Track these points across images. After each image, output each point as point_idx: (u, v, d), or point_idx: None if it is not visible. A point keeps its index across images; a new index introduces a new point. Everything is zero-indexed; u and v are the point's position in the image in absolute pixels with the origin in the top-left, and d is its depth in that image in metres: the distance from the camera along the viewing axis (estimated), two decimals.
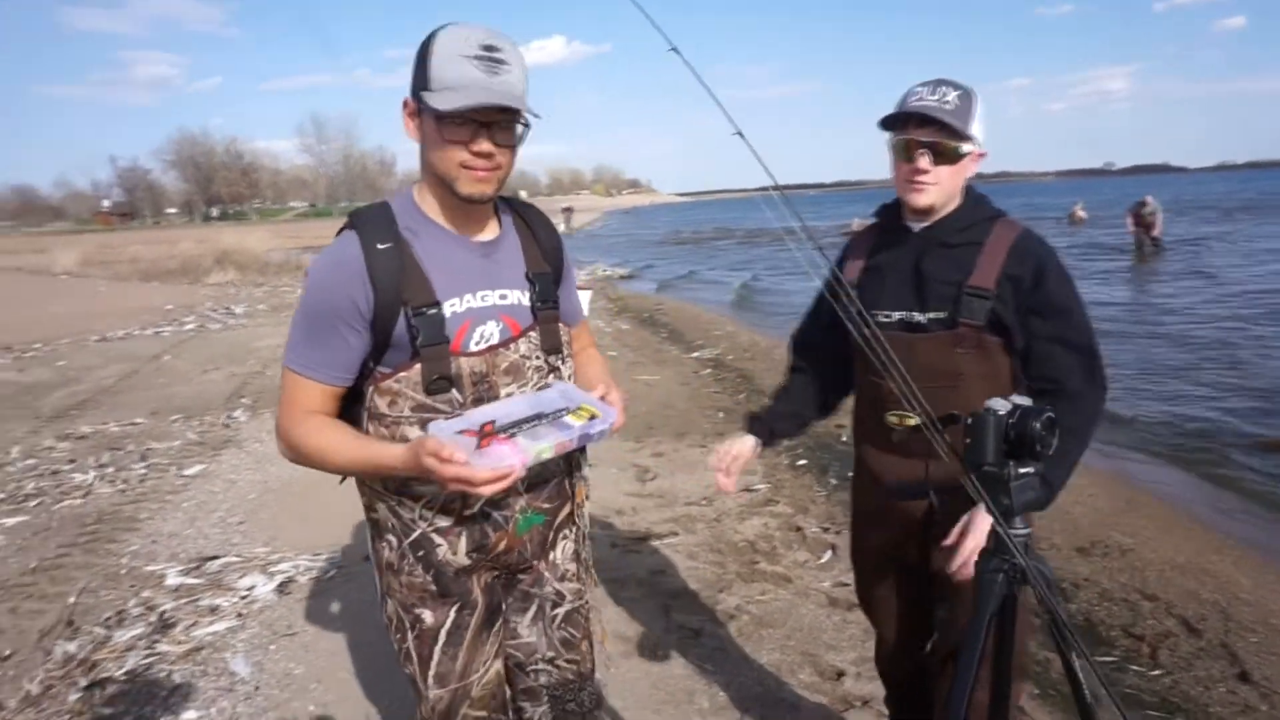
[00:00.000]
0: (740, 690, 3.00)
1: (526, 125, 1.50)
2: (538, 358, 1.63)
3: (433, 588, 1.65)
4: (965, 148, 1.80)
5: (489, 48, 1.42)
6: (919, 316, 1.85)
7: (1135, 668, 3.17)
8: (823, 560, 4.05)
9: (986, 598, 1.28)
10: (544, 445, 1.42)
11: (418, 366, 1.51)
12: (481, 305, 1.56)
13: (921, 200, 1.83)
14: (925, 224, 1.89)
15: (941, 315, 1.82)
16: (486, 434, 1.38)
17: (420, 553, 1.63)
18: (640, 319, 13.19)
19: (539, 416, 1.48)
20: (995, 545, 1.30)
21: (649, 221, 73.67)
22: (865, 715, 2.82)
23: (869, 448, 2.04)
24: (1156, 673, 3.14)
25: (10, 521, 4.83)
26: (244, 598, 3.78)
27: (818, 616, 3.52)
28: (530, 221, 1.71)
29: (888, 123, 1.85)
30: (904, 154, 1.83)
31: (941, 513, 1.83)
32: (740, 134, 1.40)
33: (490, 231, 1.63)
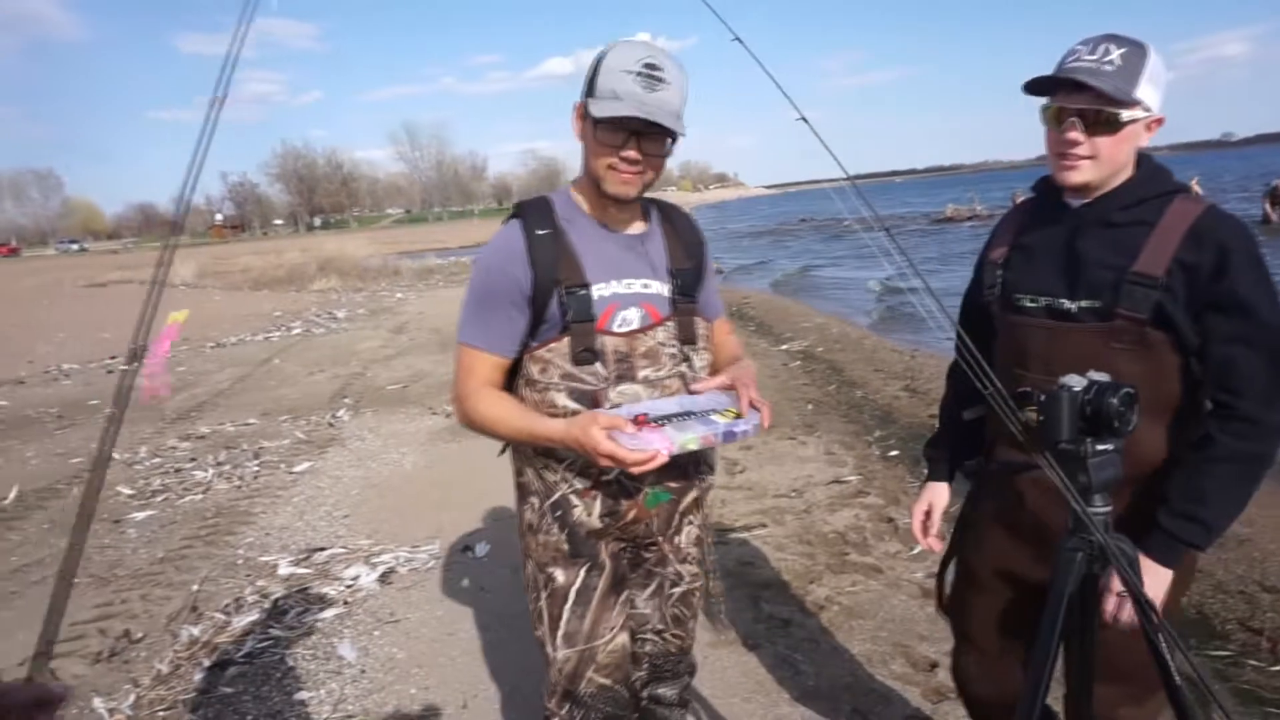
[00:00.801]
0: (831, 680, 2.99)
1: (674, 139, 1.64)
2: (673, 345, 1.76)
3: (565, 548, 1.79)
4: (1128, 114, 1.53)
5: (651, 66, 1.58)
6: (1068, 304, 1.61)
7: (1253, 662, 3.01)
8: (915, 551, 3.98)
9: (1064, 578, 1.25)
10: (690, 437, 1.55)
11: (566, 339, 1.67)
12: (626, 291, 1.71)
13: (1073, 178, 1.59)
14: (1085, 200, 1.64)
15: (1095, 305, 1.58)
16: (640, 422, 1.55)
17: (558, 513, 1.78)
18: (728, 312, 13.13)
19: (688, 414, 1.62)
20: (1074, 524, 1.27)
21: (737, 215, 73.21)
22: (958, 707, 2.76)
23: (1005, 447, 1.80)
24: (1277, 668, 2.97)
25: (140, 515, 5.19)
26: (349, 587, 3.97)
27: (910, 608, 3.47)
28: (675, 221, 1.86)
29: (1035, 87, 1.60)
30: (1054, 123, 1.60)
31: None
32: (804, 119, 1.41)
33: (638, 227, 1.78)
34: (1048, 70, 1.59)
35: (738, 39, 1.39)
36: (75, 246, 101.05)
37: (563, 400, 1.70)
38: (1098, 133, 1.55)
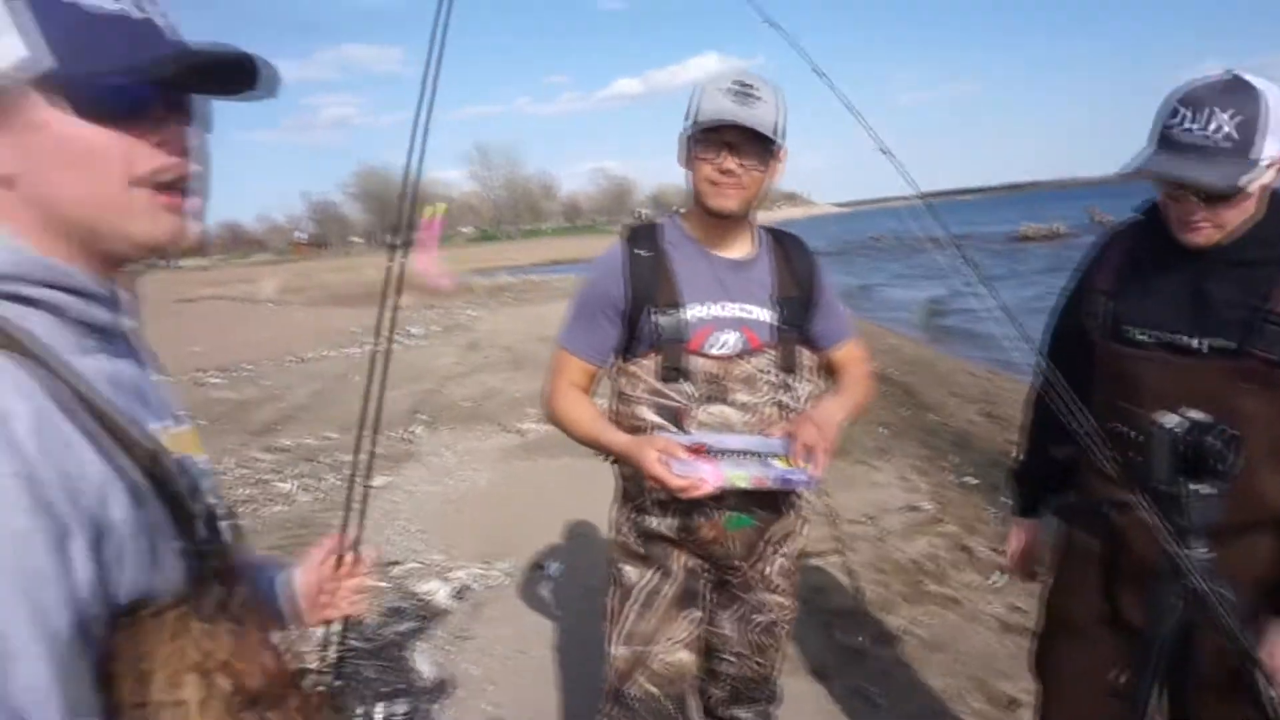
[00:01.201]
0: (906, 715, 2.93)
1: (773, 155, 1.68)
2: (773, 374, 1.78)
3: (639, 550, 1.86)
4: (1246, 178, 1.39)
5: (742, 84, 1.65)
6: (1191, 341, 1.52)
7: None
8: (993, 582, 3.88)
9: (1160, 625, 1.22)
10: (741, 474, 1.61)
11: (656, 357, 1.74)
12: (724, 315, 1.75)
13: (1196, 240, 1.49)
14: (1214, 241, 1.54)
15: (1225, 344, 1.48)
16: (698, 451, 1.61)
17: (638, 516, 1.85)
18: None
19: (751, 453, 1.66)
20: (1171, 568, 1.24)
21: (807, 234, 72.61)
22: None
23: (1102, 483, 1.64)
24: None
25: (225, 524, 5.40)
26: (424, 601, 4.05)
27: (989, 641, 3.38)
28: (787, 248, 1.89)
29: (1151, 175, 1.50)
30: (1169, 193, 1.50)
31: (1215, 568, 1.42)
32: (886, 151, 1.41)
33: (742, 251, 1.83)
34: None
35: (819, 73, 1.40)
36: (167, 263, 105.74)
37: (648, 415, 1.76)
38: (1218, 205, 1.44)
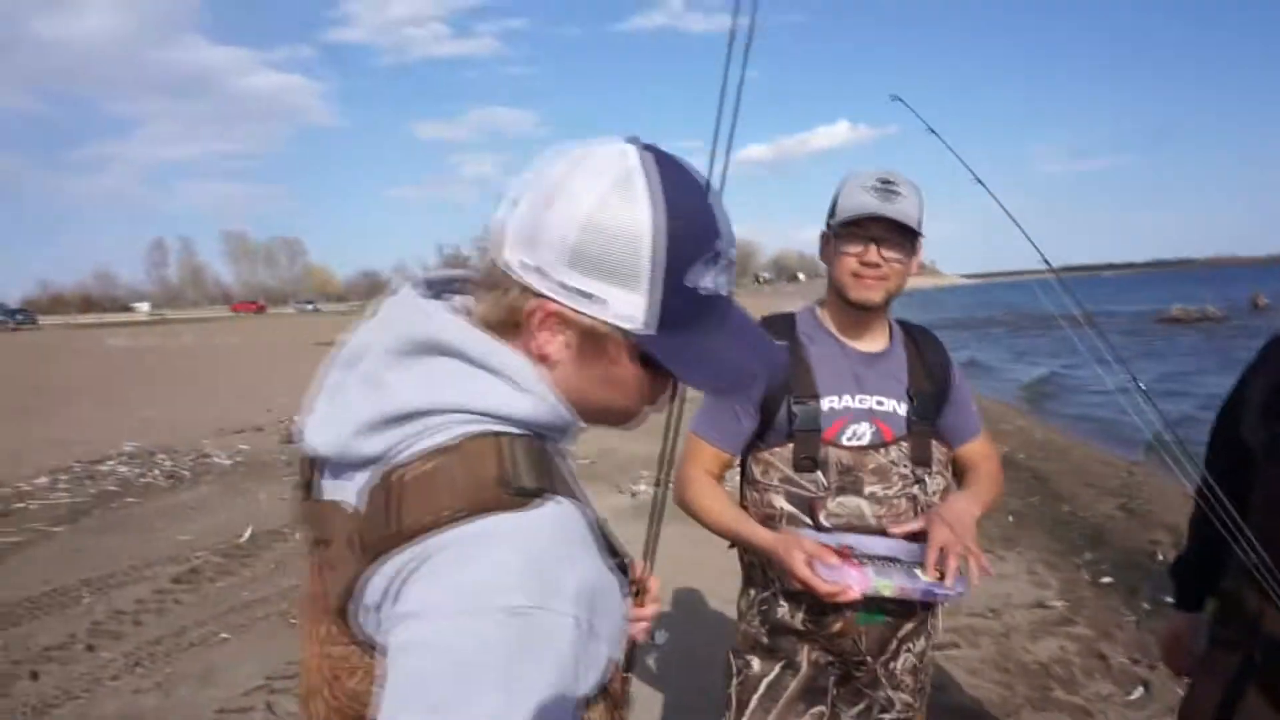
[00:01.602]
0: None
1: (914, 241, 1.71)
2: (905, 466, 1.78)
3: (765, 640, 1.84)
4: None
5: (884, 181, 1.69)
6: None
7: None
8: (1133, 697, 3.60)
9: None
10: (886, 583, 1.59)
11: (790, 446, 1.76)
12: (858, 407, 1.77)
13: None
14: None
15: None
16: (844, 555, 1.60)
17: (765, 607, 1.84)
18: None
19: (895, 560, 1.65)
20: None
21: (935, 306, 70.82)
22: None
23: (1258, 598, 1.49)
24: None
25: None
26: None
27: None
28: (919, 342, 1.91)
29: None
30: None
31: None
32: (1038, 248, 1.40)
33: (878, 344, 1.85)
34: None
35: (979, 181, 1.40)
36: (310, 307, 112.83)
37: (780, 503, 1.77)
38: None
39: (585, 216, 0.76)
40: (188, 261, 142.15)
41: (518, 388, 0.80)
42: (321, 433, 0.83)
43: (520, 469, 0.76)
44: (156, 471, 8.77)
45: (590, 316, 0.78)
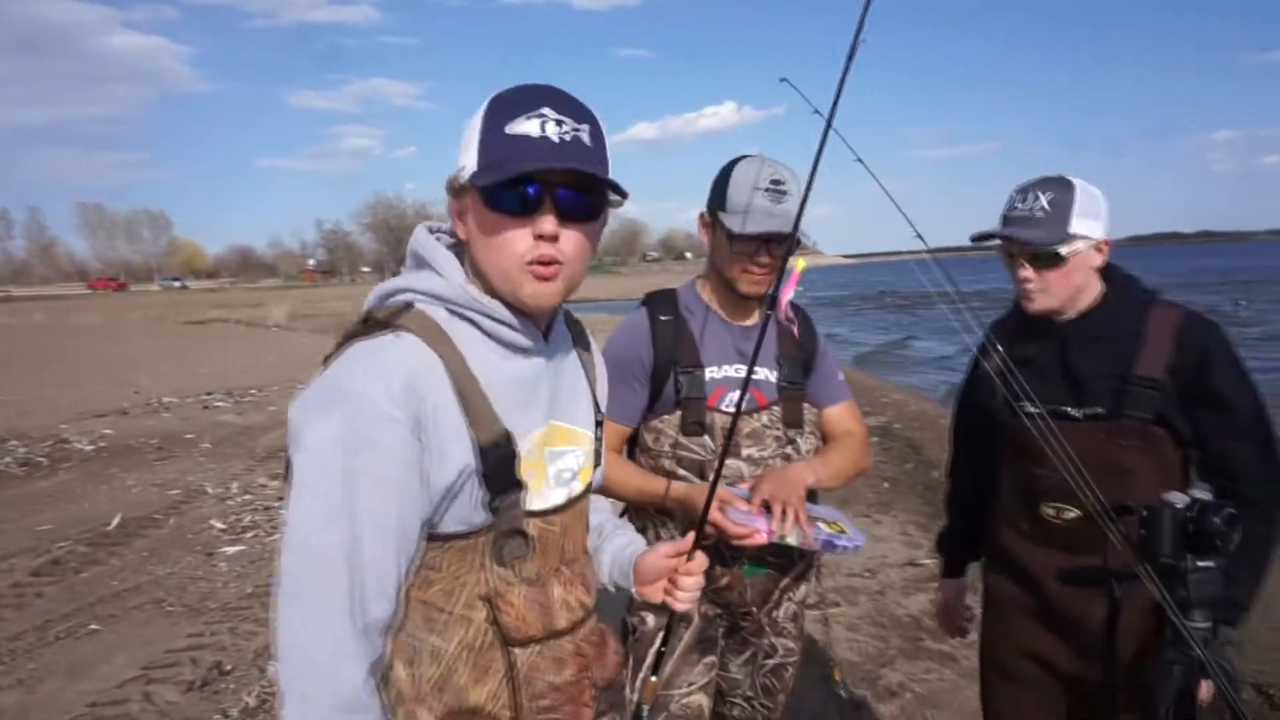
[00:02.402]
0: None
1: (799, 242, 1.81)
2: (778, 429, 1.91)
3: None
4: (1067, 249, 1.71)
5: (776, 182, 1.79)
6: (1072, 411, 1.75)
7: None
8: None
9: (1162, 690, 1.27)
10: (791, 533, 1.71)
11: (679, 413, 1.87)
12: (736, 376, 1.88)
13: (1034, 306, 1.77)
14: (1069, 316, 1.80)
15: (1098, 410, 1.73)
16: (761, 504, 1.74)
17: None
18: None
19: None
20: (1173, 637, 1.29)
21: (813, 285, 73.07)
22: None
23: (1017, 539, 1.89)
24: None
25: (230, 550, 5.42)
26: None
27: None
28: (790, 315, 2.01)
29: (981, 238, 1.81)
30: (1008, 262, 1.79)
31: (1118, 614, 1.72)
32: (920, 237, 1.50)
33: (752, 319, 1.96)
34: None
35: (859, 160, 1.49)
36: (178, 284, 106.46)
37: (671, 466, 1.87)
38: (1043, 267, 1.73)
39: (468, 125, 1.10)
40: (36, 234, 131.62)
41: (438, 274, 1.13)
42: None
43: (386, 314, 1.09)
44: (9, 459, 8.17)
45: (457, 183, 1.09)
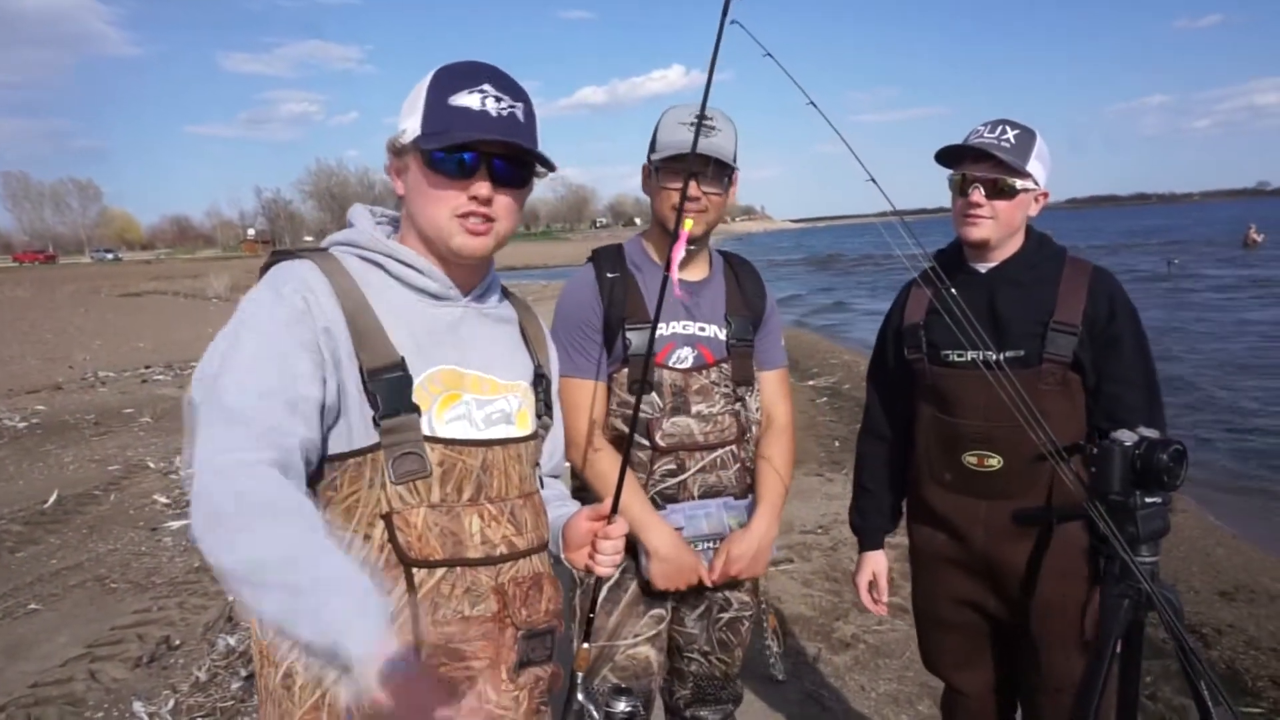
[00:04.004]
0: (856, 718, 3.00)
1: (729, 175, 1.81)
2: (726, 386, 1.90)
3: None
4: (1021, 184, 1.79)
5: (702, 116, 1.70)
6: (994, 356, 1.76)
7: None
8: None
9: (1111, 623, 1.30)
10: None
11: (625, 370, 1.84)
12: (683, 332, 1.86)
13: (976, 234, 1.81)
14: (993, 264, 1.86)
15: (1020, 354, 1.78)
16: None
17: None
18: None
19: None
20: (1121, 572, 1.32)
21: (764, 249, 73.43)
22: None
23: (940, 491, 1.93)
24: None
25: (175, 524, 5.30)
26: None
27: None
28: (739, 272, 2.01)
29: (945, 157, 1.85)
30: (960, 189, 1.83)
31: (1042, 555, 1.79)
32: (874, 180, 1.48)
33: (700, 273, 1.93)
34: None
35: (812, 103, 1.47)
36: (110, 256, 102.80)
37: (619, 425, 1.85)
38: (996, 197, 1.79)
39: (412, 92, 1.23)
40: None
41: (353, 226, 1.28)
42: None
43: (298, 249, 1.23)
44: None
45: (399, 143, 1.21)
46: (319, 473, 1.15)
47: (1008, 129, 1.79)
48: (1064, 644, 1.76)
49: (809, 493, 5.65)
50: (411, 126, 1.19)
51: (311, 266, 1.18)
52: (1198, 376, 9.77)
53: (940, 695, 3.11)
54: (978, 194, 1.78)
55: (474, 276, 1.29)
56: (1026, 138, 1.79)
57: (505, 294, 1.40)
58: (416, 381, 1.18)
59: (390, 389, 1.15)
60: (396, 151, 1.22)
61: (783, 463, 2.00)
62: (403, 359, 1.17)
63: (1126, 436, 1.31)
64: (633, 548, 1.88)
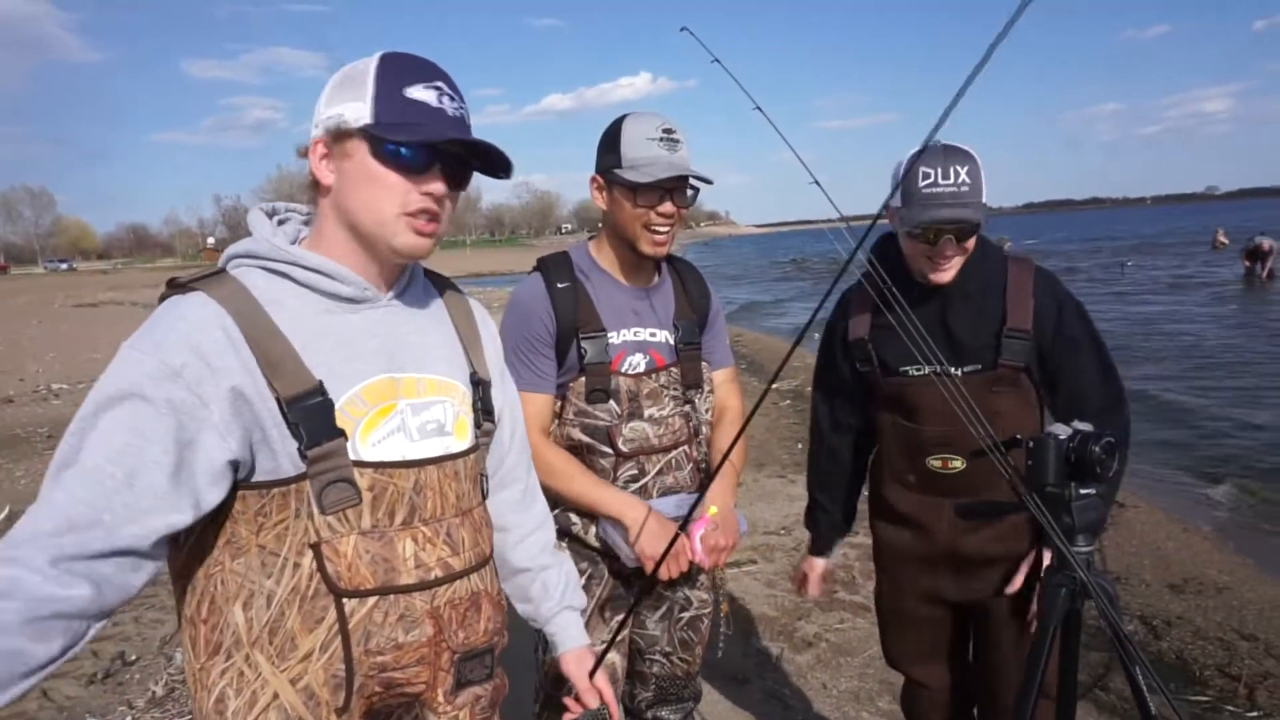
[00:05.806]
0: (818, 716, 3.04)
1: (696, 190, 1.83)
2: (676, 389, 1.93)
3: (565, 549, 1.87)
4: (981, 217, 1.74)
5: (668, 130, 1.77)
6: (953, 370, 1.78)
7: (1230, 708, 3.09)
8: None
9: (1050, 612, 1.34)
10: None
11: (583, 379, 1.85)
12: (634, 339, 1.88)
13: (946, 278, 1.79)
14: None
15: (978, 368, 1.81)
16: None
17: (561, 524, 1.87)
18: None
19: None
20: (1058, 562, 1.36)
21: (728, 254, 73.82)
22: None
23: (904, 492, 1.97)
24: (1254, 715, 3.05)
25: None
26: None
27: None
28: (684, 276, 2.04)
29: (935, 223, 1.73)
30: (927, 239, 1.75)
31: (999, 544, 1.88)
32: (817, 183, 1.52)
33: (648, 280, 1.95)
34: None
35: (759, 108, 1.50)
36: (64, 265, 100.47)
37: (578, 435, 1.85)
38: (964, 239, 1.75)
39: (338, 74, 1.16)
40: None
41: (253, 236, 1.17)
42: None
43: (189, 278, 1.12)
44: None
45: (341, 128, 1.11)
46: (251, 498, 1.10)
47: (958, 168, 1.71)
48: (1012, 620, 1.87)
49: (772, 494, 5.70)
50: (356, 112, 1.09)
51: (204, 301, 1.07)
52: (1161, 374, 10.01)
53: (899, 690, 3.18)
54: (950, 246, 1.74)
55: (396, 271, 1.21)
56: (975, 170, 1.72)
57: (435, 283, 1.33)
58: (341, 402, 1.11)
59: (311, 416, 1.07)
60: (336, 136, 1.11)
61: (735, 448, 2.03)
62: (320, 383, 1.09)
63: (1061, 430, 1.36)
64: (597, 552, 1.91)
